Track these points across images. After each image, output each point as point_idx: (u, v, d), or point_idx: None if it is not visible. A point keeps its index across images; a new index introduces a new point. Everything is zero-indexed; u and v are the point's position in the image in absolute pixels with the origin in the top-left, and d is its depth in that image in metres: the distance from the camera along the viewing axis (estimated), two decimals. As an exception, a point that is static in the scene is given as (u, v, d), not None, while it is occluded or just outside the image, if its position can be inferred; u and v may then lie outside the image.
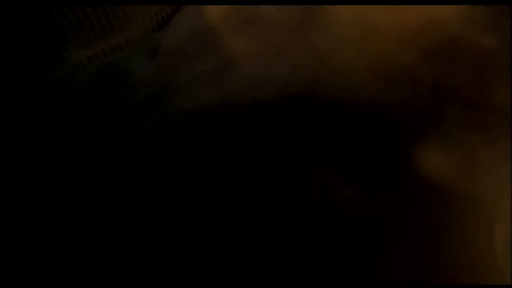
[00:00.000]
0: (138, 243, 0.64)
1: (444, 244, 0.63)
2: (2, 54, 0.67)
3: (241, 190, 0.66)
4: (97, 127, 0.68)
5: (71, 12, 0.67)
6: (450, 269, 0.63)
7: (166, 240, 0.64)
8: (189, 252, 0.64)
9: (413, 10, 0.76)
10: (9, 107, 0.69)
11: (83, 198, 0.66)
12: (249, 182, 0.67)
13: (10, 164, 0.67)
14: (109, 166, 0.67)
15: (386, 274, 0.63)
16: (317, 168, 0.67)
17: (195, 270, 0.63)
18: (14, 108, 0.68)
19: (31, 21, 0.67)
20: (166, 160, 0.67)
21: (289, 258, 0.64)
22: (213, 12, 0.76)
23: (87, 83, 0.70)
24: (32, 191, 0.67)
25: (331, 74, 0.72)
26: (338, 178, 0.67)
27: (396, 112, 0.70)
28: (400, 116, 0.70)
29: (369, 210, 0.65)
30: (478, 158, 0.67)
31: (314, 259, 0.64)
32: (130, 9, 0.69)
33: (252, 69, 0.73)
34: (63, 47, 0.68)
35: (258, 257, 0.64)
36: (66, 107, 0.68)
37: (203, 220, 0.65)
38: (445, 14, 0.76)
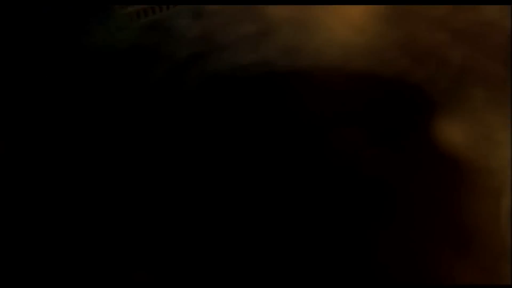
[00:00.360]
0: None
1: (453, 209, 0.68)
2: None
3: (271, 148, 0.71)
4: (140, 80, 0.74)
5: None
6: (455, 235, 0.67)
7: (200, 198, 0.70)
8: (219, 204, 0.70)
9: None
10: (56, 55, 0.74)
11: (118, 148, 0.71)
12: (279, 142, 0.72)
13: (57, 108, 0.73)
14: (149, 117, 0.72)
15: (396, 232, 0.68)
16: (346, 129, 0.72)
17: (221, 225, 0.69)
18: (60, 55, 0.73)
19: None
20: (203, 115, 0.72)
21: (316, 215, 0.69)
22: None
23: (134, 37, 0.75)
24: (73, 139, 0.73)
25: (362, 48, 0.76)
26: (363, 138, 0.72)
27: (421, 86, 0.74)
28: (425, 90, 0.74)
29: (389, 168, 0.70)
30: (495, 137, 0.71)
31: (338, 214, 0.69)
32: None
33: (289, 38, 0.77)
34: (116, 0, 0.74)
35: (286, 212, 0.69)
36: (112, 58, 0.74)
37: (236, 173, 0.70)
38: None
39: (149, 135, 0.72)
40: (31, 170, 0.71)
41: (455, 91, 0.74)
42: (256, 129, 0.72)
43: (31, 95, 0.73)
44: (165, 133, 0.72)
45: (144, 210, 0.70)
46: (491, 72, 0.75)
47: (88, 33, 0.74)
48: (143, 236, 0.69)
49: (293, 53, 0.76)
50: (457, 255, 0.68)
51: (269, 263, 0.69)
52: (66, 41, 0.74)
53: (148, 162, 0.71)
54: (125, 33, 0.74)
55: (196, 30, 0.77)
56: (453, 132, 0.72)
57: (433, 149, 0.72)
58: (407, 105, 0.74)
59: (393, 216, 0.70)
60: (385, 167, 0.71)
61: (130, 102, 0.73)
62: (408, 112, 0.74)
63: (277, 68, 0.75)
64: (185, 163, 0.71)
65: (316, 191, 0.71)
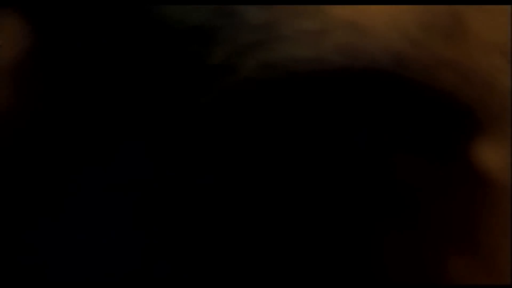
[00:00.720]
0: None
1: (479, 227, 0.71)
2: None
3: (310, 133, 0.75)
4: (200, 60, 0.77)
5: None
6: (476, 250, 0.70)
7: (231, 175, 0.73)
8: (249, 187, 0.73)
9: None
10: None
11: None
12: (321, 134, 0.75)
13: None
14: (202, 99, 0.76)
15: (410, 238, 0.71)
16: (384, 135, 0.75)
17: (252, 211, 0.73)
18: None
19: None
20: (256, 103, 0.75)
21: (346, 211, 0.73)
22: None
23: (205, 18, 0.78)
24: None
25: (414, 60, 0.79)
26: (402, 144, 0.75)
27: (466, 106, 0.76)
28: (470, 110, 0.76)
29: (419, 176, 0.73)
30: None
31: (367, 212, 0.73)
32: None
33: (346, 38, 0.80)
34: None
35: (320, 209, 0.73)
36: (180, 36, 0.77)
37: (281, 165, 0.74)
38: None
39: (198, 118, 0.75)
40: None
41: (499, 116, 0.76)
42: (302, 125, 0.75)
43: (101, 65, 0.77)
44: (213, 117, 0.75)
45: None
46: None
47: (166, 8, 0.77)
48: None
49: (348, 55, 0.79)
50: (470, 268, 0.72)
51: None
52: (140, 12, 0.77)
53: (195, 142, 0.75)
54: (199, 13, 0.78)
55: (261, 19, 0.79)
56: (489, 152, 0.75)
57: (467, 166, 0.74)
58: (449, 121, 0.77)
59: (413, 222, 0.73)
60: (416, 174, 0.74)
61: (185, 82, 0.76)
62: (449, 128, 0.77)
63: (331, 68, 0.77)
64: (235, 151, 0.75)
65: (348, 188, 0.74)
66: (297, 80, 0.76)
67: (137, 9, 0.77)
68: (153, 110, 0.75)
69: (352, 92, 0.76)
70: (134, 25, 0.77)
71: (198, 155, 0.75)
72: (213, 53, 0.77)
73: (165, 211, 0.72)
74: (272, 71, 0.77)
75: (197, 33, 0.78)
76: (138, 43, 0.76)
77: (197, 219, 0.72)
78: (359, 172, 0.73)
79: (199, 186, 0.73)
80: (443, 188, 0.74)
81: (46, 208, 0.72)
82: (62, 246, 0.71)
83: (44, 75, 0.77)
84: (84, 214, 0.72)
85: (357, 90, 0.76)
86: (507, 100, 0.77)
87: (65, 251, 0.71)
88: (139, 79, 0.76)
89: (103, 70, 0.76)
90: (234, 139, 0.75)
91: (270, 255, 0.71)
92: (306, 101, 0.75)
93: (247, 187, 0.74)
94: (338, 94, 0.76)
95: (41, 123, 0.75)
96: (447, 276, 0.71)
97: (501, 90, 0.77)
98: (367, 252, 0.72)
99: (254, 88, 0.76)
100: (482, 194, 0.74)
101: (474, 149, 0.75)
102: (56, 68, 0.77)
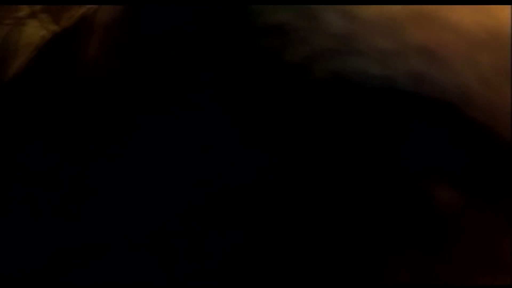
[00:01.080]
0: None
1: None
2: None
3: (364, 145, 0.76)
4: (275, 57, 0.80)
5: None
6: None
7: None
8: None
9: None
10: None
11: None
12: (374, 148, 0.77)
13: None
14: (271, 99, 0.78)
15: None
16: (435, 163, 0.76)
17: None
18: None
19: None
20: (323, 106, 0.77)
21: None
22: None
23: (286, 19, 0.81)
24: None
25: (482, 101, 0.80)
26: (447, 178, 0.76)
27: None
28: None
29: (466, 214, 0.74)
30: None
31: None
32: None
33: (419, 64, 0.81)
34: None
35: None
36: (259, 36, 0.80)
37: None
38: None
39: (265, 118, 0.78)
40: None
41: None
42: (359, 137, 0.77)
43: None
44: (282, 109, 0.78)
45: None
46: None
47: (252, 7, 0.80)
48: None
49: (418, 81, 0.80)
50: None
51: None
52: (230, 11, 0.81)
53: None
54: (283, 12, 0.80)
55: (340, 28, 0.82)
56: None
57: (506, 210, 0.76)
58: (503, 163, 0.78)
59: (438, 244, 0.75)
60: (454, 206, 0.76)
61: (260, 72, 0.79)
62: (501, 170, 0.78)
63: (399, 90, 0.79)
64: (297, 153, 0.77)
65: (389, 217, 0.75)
66: (365, 95, 0.78)
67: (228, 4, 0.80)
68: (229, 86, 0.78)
69: (415, 118, 0.78)
70: (221, 17, 0.81)
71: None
72: (290, 52, 0.79)
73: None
74: (343, 80, 0.79)
75: (277, 31, 0.80)
76: (222, 32, 0.80)
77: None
78: (399, 189, 0.75)
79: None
80: (477, 224, 0.75)
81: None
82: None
83: (129, 38, 0.81)
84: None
85: (421, 117, 0.78)
86: None
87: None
88: (217, 61, 0.79)
89: (184, 49, 0.80)
90: (293, 132, 0.77)
91: (295, 265, 0.73)
92: (369, 116, 0.77)
93: (293, 187, 0.76)
94: (401, 116, 0.78)
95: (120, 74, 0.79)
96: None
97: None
98: (384, 265, 0.74)
99: (323, 92, 0.78)
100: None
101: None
102: (140, 37, 0.81)
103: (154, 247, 0.74)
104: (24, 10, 0.86)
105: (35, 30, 0.85)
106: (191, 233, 0.74)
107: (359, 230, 0.75)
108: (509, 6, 0.83)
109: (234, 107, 0.77)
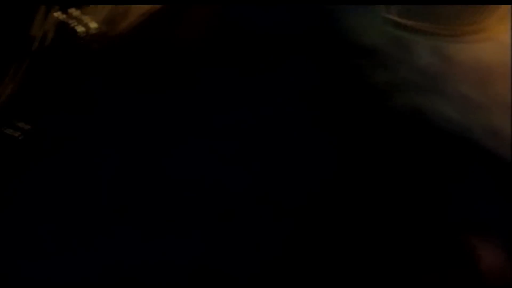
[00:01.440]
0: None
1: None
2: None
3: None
4: (361, 75, 0.80)
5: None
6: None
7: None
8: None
9: None
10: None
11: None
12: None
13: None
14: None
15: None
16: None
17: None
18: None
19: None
20: (399, 133, 0.78)
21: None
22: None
23: (374, 41, 0.82)
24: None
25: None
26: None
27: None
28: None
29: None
30: None
31: None
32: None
33: (500, 122, 0.80)
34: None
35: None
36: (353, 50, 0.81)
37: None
38: None
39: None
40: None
41: None
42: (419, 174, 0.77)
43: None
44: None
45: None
46: None
47: (347, 22, 0.81)
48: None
49: (491, 137, 0.79)
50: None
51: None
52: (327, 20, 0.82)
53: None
54: (377, 35, 0.81)
55: (430, 63, 0.81)
56: None
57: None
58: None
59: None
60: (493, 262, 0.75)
61: (344, 85, 0.80)
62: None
63: (471, 140, 0.78)
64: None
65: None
66: (436, 135, 0.78)
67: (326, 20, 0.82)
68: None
69: (476, 169, 0.77)
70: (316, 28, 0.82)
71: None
72: (376, 74, 0.80)
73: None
74: (419, 115, 0.78)
75: (368, 52, 0.81)
76: (318, 42, 0.81)
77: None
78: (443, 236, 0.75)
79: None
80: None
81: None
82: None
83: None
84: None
85: (482, 170, 0.77)
86: None
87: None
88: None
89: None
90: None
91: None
92: (434, 154, 0.77)
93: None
94: (464, 164, 0.77)
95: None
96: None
97: None
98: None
99: (397, 120, 0.78)
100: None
101: None
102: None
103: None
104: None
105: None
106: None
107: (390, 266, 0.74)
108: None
109: (317, 112, 0.78)
